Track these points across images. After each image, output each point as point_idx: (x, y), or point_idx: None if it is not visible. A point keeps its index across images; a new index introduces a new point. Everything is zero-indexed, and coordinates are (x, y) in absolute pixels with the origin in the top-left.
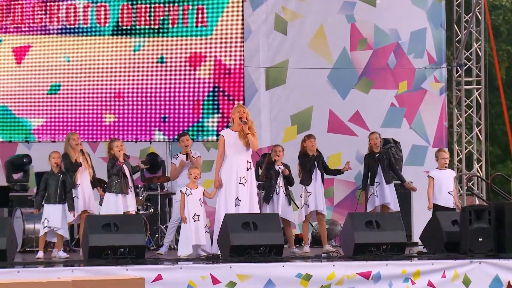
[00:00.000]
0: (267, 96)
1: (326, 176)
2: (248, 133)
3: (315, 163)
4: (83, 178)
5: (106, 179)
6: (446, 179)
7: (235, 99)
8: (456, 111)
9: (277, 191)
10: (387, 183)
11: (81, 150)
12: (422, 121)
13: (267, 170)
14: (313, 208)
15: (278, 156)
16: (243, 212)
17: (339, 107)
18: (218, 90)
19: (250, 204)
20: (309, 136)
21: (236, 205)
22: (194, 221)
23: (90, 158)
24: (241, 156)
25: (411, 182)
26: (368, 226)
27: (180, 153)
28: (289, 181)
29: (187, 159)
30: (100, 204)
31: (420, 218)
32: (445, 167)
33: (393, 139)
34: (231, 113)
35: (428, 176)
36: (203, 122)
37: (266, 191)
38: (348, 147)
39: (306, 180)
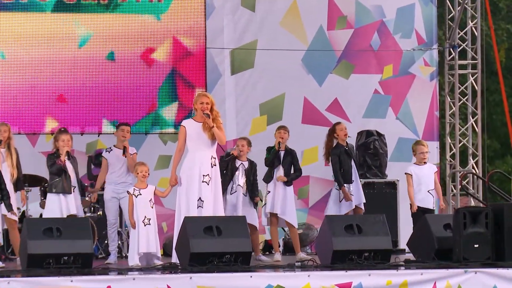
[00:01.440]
0: (233, 82)
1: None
2: (213, 126)
3: (281, 159)
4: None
5: (45, 176)
6: (426, 175)
7: (195, 85)
8: (449, 99)
9: (233, 188)
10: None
11: (9, 145)
12: (410, 111)
13: (224, 162)
14: (269, 209)
15: (241, 150)
16: (207, 215)
17: (315, 94)
18: (176, 74)
19: (214, 206)
20: (279, 128)
21: (198, 206)
22: (145, 225)
23: (17, 156)
24: (205, 151)
25: (398, 181)
26: (348, 230)
27: (114, 145)
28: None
29: (124, 153)
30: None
31: (408, 222)
32: (424, 162)
33: (376, 131)
34: (193, 102)
35: (406, 173)
36: (159, 111)
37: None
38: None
39: (267, 177)
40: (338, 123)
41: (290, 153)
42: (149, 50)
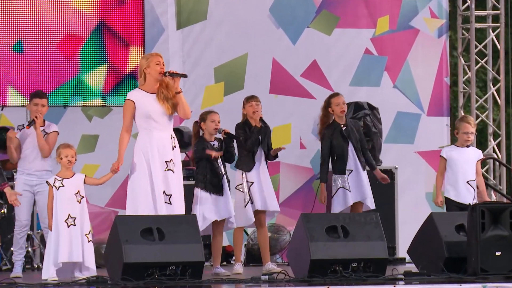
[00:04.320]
0: (179, 39)
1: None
2: (181, 91)
3: (259, 139)
4: None
5: None
6: (466, 162)
7: (130, 43)
8: (463, 61)
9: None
10: (364, 168)
11: None
12: (411, 77)
13: (201, 149)
14: (259, 206)
15: (217, 127)
16: (169, 213)
17: (287, 55)
18: (104, 29)
19: (179, 200)
20: (250, 98)
21: (165, 202)
22: (68, 226)
23: None
24: (164, 130)
25: (396, 168)
26: (331, 233)
27: (28, 122)
28: (229, 153)
29: (29, 125)
30: None
31: (409, 222)
32: (467, 145)
33: (368, 104)
34: (141, 65)
35: (440, 156)
36: (82, 77)
37: (208, 179)
38: (300, 115)
39: (246, 163)
40: (335, 94)
41: (267, 129)
42: (68, 39)
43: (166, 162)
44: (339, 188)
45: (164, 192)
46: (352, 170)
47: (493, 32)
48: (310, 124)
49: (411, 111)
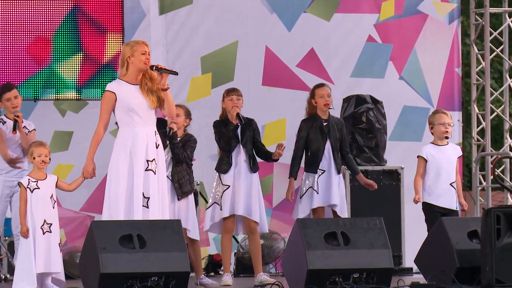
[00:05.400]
0: (162, 25)
1: (261, 160)
2: (168, 88)
3: (239, 135)
4: None
5: None
6: (448, 160)
7: (108, 29)
8: (476, 49)
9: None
10: (339, 172)
11: None
12: (419, 67)
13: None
14: (227, 211)
15: (174, 122)
16: (145, 218)
17: (281, 43)
18: (79, 13)
19: (161, 205)
20: (230, 91)
21: (143, 205)
22: (44, 232)
23: None
24: (147, 126)
25: (402, 168)
26: (330, 241)
27: (6, 115)
28: (174, 152)
29: (14, 129)
30: None
31: (416, 228)
32: (446, 137)
33: (371, 97)
34: (124, 53)
35: (419, 156)
36: (54, 67)
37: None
38: (296, 109)
39: (222, 164)
40: (320, 85)
41: (250, 125)
42: (39, 42)
43: (147, 161)
44: (308, 188)
45: (143, 194)
46: (324, 171)
47: (509, 17)
48: None
49: (419, 105)
